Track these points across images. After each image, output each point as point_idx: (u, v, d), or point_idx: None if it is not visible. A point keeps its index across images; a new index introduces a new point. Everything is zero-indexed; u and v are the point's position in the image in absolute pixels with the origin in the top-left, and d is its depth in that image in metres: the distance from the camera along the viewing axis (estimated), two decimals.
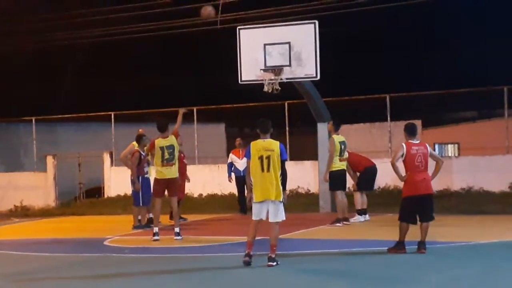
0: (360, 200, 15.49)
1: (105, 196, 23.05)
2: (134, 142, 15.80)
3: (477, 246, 11.59)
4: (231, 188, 19.40)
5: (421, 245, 10.73)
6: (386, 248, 10.95)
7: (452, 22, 34.41)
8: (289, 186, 12.80)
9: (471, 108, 30.98)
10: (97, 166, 23.43)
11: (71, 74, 34.01)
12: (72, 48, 27.70)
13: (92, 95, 31.62)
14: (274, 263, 10.03)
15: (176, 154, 13.61)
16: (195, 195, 21.33)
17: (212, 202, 20.58)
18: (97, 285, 9.67)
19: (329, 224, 14.87)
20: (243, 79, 16.13)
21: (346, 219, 14.88)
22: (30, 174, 23.91)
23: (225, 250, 12.14)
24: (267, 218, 10.23)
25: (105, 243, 13.41)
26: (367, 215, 15.51)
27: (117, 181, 22.26)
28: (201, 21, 20.70)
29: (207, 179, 21.43)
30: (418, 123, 22.84)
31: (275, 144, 10.23)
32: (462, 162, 19.75)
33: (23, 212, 21.98)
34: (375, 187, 17.26)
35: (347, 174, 15.25)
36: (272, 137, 10.41)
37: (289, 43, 15.62)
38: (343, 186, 15.00)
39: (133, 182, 15.26)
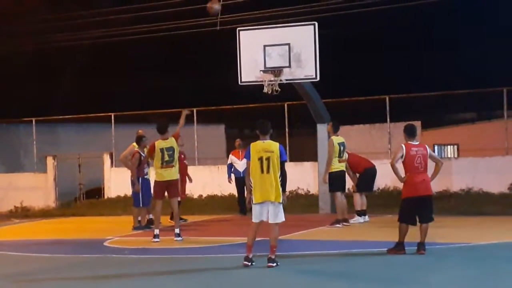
0: (360, 201, 15.49)
1: (105, 197, 23.05)
2: (134, 143, 15.79)
3: (476, 247, 11.60)
4: (231, 189, 19.41)
5: (421, 246, 10.74)
6: (386, 249, 10.97)
7: (452, 23, 34.39)
8: (289, 187, 12.85)
9: (471, 109, 30.89)
10: (97, 167, 23.42)
11: (71, 75, 34.02)
12: (73, 49, 27.71)
13: (92, 96, 31.64)
14: (274, 264, 10.05)
15: (176, 156, 13.60)
16: (195, 196, 21.33)
17: (212, 203, 20.58)
18: (97, 285, 9.69)
19: (329, 225, 14.88)
20: (243, 80, 16.15)
21: (346, 220, 14.89)
22: (30, 175, 23.91)
23: (225, 251, 12.14)
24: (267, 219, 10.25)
25: (105, 244, 13.43)
26: (366, 216, 15.52)
27: (117, 182, 22.27)
28: (201, 22, 20.76)
29: (207, 180, 21.43)
30: (417, 124, 22.88)
31: (274, 145, 10.23)
32: (461, 163, 19.76)
33: (23, 213, 21.98)
34: (375, 188, 17.28)
35: (347, 175, 15.28)
36: (271, 138, 10.41)
37: (288, 44, 15.64)
38: (342, 187, 15.01)
39: (133, 183, 15.28)
